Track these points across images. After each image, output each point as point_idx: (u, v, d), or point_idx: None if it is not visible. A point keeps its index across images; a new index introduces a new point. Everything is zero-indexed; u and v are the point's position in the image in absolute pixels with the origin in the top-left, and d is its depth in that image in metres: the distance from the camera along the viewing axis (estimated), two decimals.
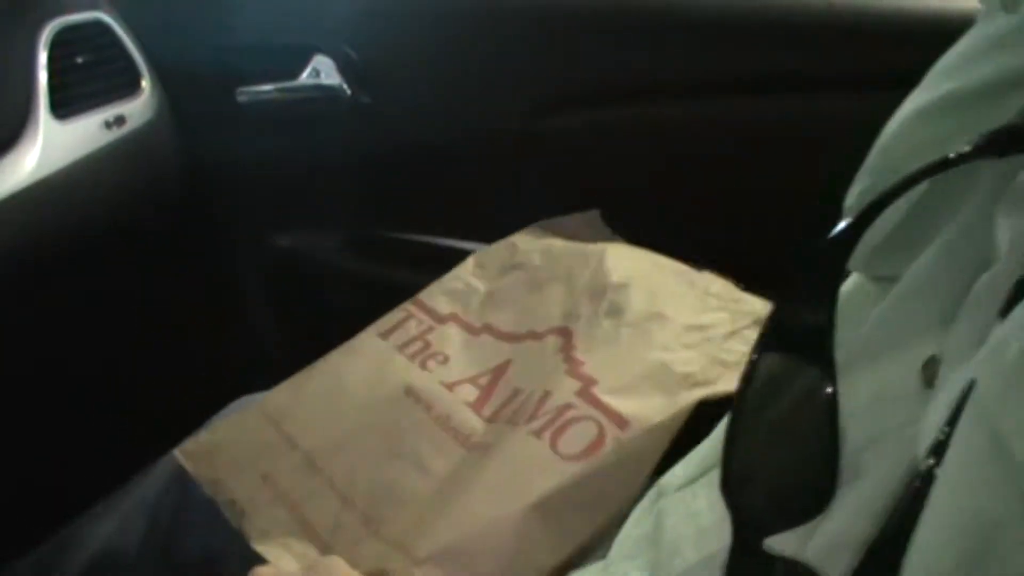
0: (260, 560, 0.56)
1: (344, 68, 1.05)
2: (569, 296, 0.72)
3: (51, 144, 0.87)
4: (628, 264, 0.74)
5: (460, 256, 0.82)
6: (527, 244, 0.79)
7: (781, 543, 0.33)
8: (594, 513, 0.56)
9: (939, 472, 0.28)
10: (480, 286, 0.77)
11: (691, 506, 0.42)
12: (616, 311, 0.69)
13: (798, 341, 0.35)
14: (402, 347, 0.71)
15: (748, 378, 0.35)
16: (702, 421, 0.59)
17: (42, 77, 0.88)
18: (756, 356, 0.36)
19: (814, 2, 0.85)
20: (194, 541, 0.66)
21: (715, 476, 0.42)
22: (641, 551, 0.45)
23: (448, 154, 1.05)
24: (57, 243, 0.89)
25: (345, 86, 1.05)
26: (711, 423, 0.52)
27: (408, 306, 0.76)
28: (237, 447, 0.67)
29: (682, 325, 0.67)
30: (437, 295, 0.77)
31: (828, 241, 0.36)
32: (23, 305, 0.92)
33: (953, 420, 0.27)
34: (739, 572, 0.34)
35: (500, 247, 0.80)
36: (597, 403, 0.61)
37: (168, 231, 1.09)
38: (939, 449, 0.28)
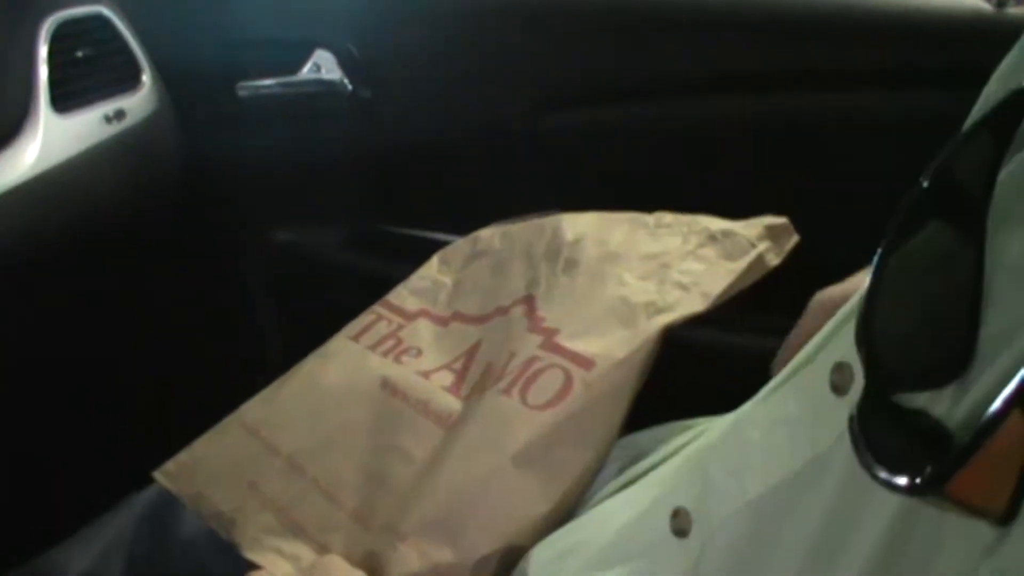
0: None
1: (345, 63, 1.05)
2: (530, 267, 0.72)
3: (51, 138, 0.86)
4: (581, 222, 0.74)
5: None
6: (488, 233, 0.80)
7: (926, 401, 0.32)
8: (576, 454, 0.56)
9: None
10: (446, 280, 0.77)
11: (781, 412, 0.41)
12: (571, 265, 0.69)
13: (954, 201, 0.34)
14: (374, 346, 0.71)
15: (894, 232, 0.34)
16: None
17: (43, 71, 0.88)
18: (905, 208, 0.34)
19: (815, 1, 0.85)
20: None
21: (801, 379, 0.41)
22: (694, 476, 0.44)
23: (449, 150, 1.05)
24: (57, 237, 0.89)
25: (346, 81, 1.05)
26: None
27: (377, 308, 0.76)
28: (218, 460, 0.66)
29: (635, 257, 0.66)
30: (405, 295, 0.77)
31: (996, 107, 0.34)
32: (23, 300, 0.92)
33: None
34: (873, 432, 0.32)
35: (463, 241, 0.81)
36: (560, 350, 0.61)
37: (168, 225, 1.09)
38: None
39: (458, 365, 0.67)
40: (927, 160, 0.37)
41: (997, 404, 0.26)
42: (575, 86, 0.97)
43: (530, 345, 0.63)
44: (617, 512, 0.50)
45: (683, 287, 0.63)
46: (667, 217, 0.71)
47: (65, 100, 0.89)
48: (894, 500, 0.32)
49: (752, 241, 0.65)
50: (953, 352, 0.31)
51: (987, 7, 0.78)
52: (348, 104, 1.06)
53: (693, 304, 0.61)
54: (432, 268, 0.79)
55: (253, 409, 0.70)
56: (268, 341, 1.21)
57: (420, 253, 0.81)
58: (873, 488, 0.30)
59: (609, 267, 0.66)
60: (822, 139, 0.88)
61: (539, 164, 1.00)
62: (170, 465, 0.68)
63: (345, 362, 0.71)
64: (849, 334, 0.35)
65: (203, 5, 1.12)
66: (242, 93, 1.09)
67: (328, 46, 1.05)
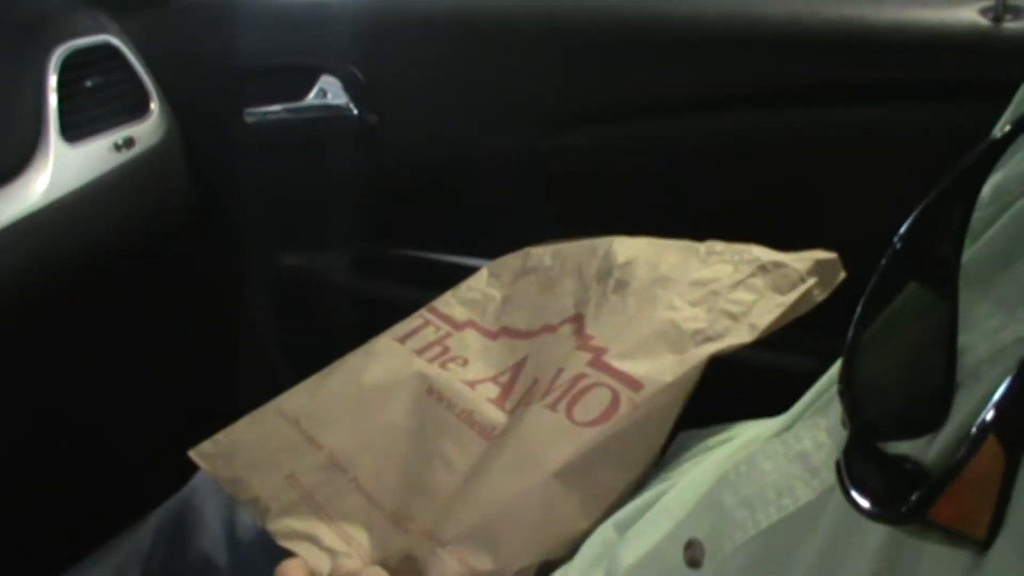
0: None
1: (351, 88, 1.06)
2: (580, 286, 0.72)
3: (61, 167, 0.87)
4: (633, 245, 0.74)
5: (467, 274, 0.82)
6: (539, 250, 0.80)
7: (908, 447, 0.33)
8: (618, 474, 0.56)
9: None
10: (496, 294, 0.77)
11: (795, 447, 0.42)
12: (622, 285, 0.69)
13: (925, 261, 0.35)
14: (421, 351, 0.71)
15: (872, 291, 0.35)
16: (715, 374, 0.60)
17: (52, 100, 0.89)
18: (882, 270, 0.36)
19: (816, 16, 0.85)
20: None
21: (816, 418, 0.43)
22: (708, 507, 0.45)
23: (454, 173, 1.05)
24: (68, 265, 0.90)
25: (352, 106, 1.06)
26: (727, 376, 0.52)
27: (424, 313, 0.76)
28: (257, 447, 0.66)
29: (686, 283, 0.66)
30: (453, 304, 0.77)
31: (969, 158, 0.35)
32: (34, 328, 0.92)
33: None
34: (858, 473, 0.33)
35: (513, 256, 0.81)
36: (608, 369, 0.61)
37: (177, 252, 1.10)
38: None
39: (504, 379, 0.68)
40: (927, 173, 0.37)
41: (974, 429, 0.27)
42: (578, 107, 0.97)
43: (578, 362, 0.63)
44: (632, 542, 0.50)
45: (732, 316, 0.63)
46: (718, 245, 0.71)
47: (74, 129, 0.90)
48: (881, 532, 0.33)
49: (802, 275, 0.65)
50: (932, 404, 0.33)
51: (984, 21, 0.79)
52: (354, 129, 1.07)
53: (741, 335, 0.61)
54: (481, 280, 0.80)
55: (293, 399, 0.70)
56: (275, 364, 1.21)
57: (427, 276, 0.82)
58: (862, 522, 0.31)
59: (659, 290, 0.66)
60: (830, 155, 0.88)
61: (544, 185, 1.01)
62: (207, 445, 0.67)
63: (390, 362, 0.71)
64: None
65: (210, 33, 1.13)
66: (249, 119, 1.10)
67: (334, 71, 1.06)
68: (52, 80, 0.90)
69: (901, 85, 0.83)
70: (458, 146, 1.05)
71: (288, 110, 1.09)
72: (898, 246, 0.36)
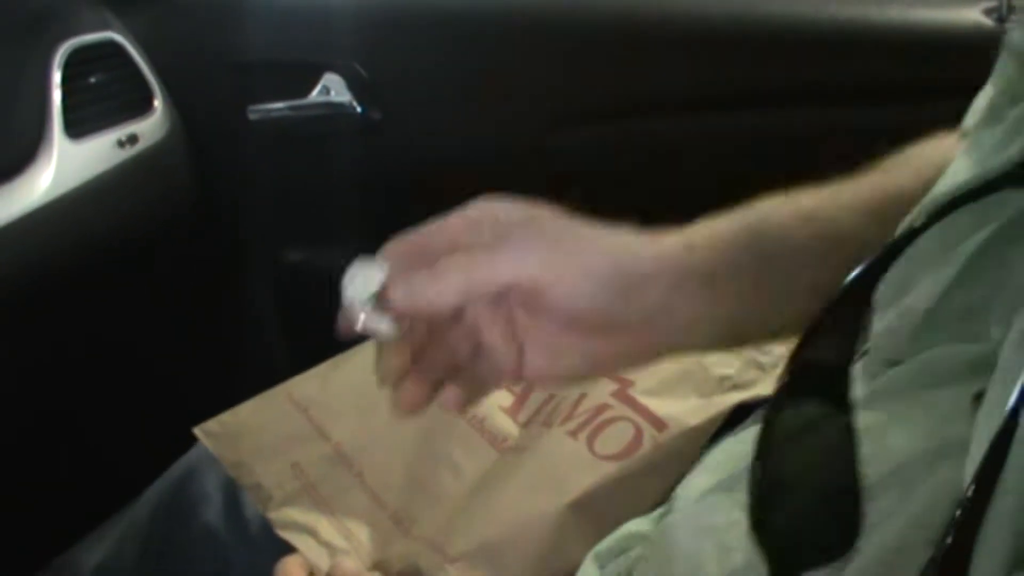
0: None
1: (354, 85, 1.06)
2: None
3: (65, 163, 0.87)
4: None
5: None
6: None
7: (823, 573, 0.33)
8: (630, 512, 0.55)
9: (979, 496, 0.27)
10: None
11: (707, 520, 0.41)
12: None
13: (819, 379, 0.35)
14: None
15: (769, 419, 0.35)
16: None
17: (56, 97, 0.89)
18: (777, 395, 0.35)
19: (821, 16, 0.85)
20: (189, 568, 0.65)
21: (734, 493, 0.41)
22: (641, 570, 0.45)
23: (458, 169, 1.05)
24: (72, 261, 0.90)
25: (355, 103, 1.06)
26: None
27: None
28: (264, 431, 0.66)
29: None
30: None
31: (853, 279, 0.35)
32: (38, 322, 0.92)
33: (996, 447, 0.27)
34: None
35: None
36: (634, 404, 0.60)
37: (180, 248, 1.10)
38: (983, 477, 0.27)
39: (518, 388, 0.67)
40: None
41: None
42: (583, 105, 0.97)
43: (602, 390, 0.62)
44: None
45: (761, 367, 0.62)
46: None
47: (78, 126, 0.90)
48: None
49: None
50: (843, 527, 0.33)
51: (988, 22, 0.79)
52: (357, 126, 1.07)
53: (767, 387, 0.61)
54: None
55: (303, 385, 0.69)
56: (278, 361, 1.21)
57: None
58: None
59: None
60: (828, 154, 0.88)
61: (548, 182, 1.01)
62: (213, 425, 0.67)
63: None
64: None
65: (213, 30, 1.13)
66: (253, 116, 1.10)
67: (337, 69, 1.06)
68: (56, 77, 0.90)
69: (905, 85, 0.83)
70: (462, 143, 1.05)
71: (291, 107, 1.09)
72: (791, 367, 0.35)
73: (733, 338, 0.46)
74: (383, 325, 0.44)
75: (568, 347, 0.44)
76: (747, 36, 0.89)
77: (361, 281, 0.45)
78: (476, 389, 0.47)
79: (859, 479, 0.33)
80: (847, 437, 0.33)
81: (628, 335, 0.44)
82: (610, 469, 0.57)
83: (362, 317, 0.44)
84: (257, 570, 0.57)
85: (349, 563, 0.54)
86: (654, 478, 0.57)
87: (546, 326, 0.44)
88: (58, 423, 1.02)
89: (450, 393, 0.46)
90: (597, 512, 0.55)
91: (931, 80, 0.82)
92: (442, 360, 0.46)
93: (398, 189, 1.09)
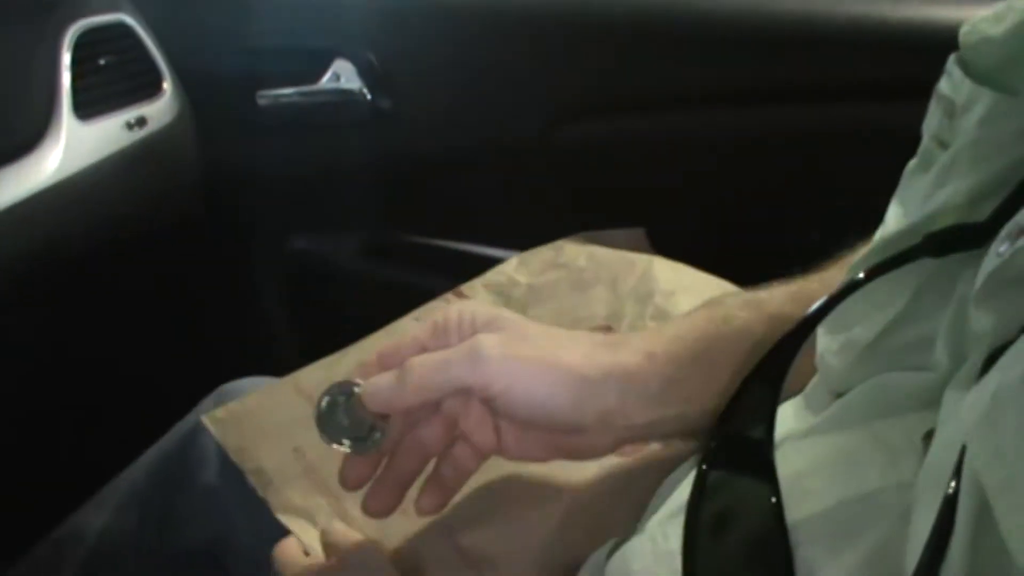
0: (261, 548, 0.55)
1: (364, 72, 1.06)
2: (614, 299, 0.72)
3: (74, 144, 0.87)
4: (674, 275, 0.73)
5: (477, 260, 0.82)
6: (573, 247, 0.79)
7: None
8: (635, 509, 0.55)
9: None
10: (522, 280, 0.77)
11: (664, 546, 0.41)
12: (662, 315, 0.68)
13: (742, 452, 0.37)
14: None
15: (698, 491, 0.36)
16: None
17: (65, 78, 0.89)
18: (703, 468, 0.37)
19: (832, 14, 0.85)
20: (190, 531, 0.66)
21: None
22: None
23: (466, 159, 1.05)
24: (79, 242, 0.90)
25: (365, 90, 1.06)
26: None
27: (449, 296, 0.76)
28: (268, 418, 0.66)
29: None
30: (478, 287, 0.77)
31: (770, 352, 0.37)
32: (45, 303, 0.93)
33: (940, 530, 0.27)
34: None
35: (545, 248, 0.80)
36: None
37: (187, 232, 1.10)
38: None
39: None
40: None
41: None
42: (589, 98, 0.97)
43: None
44: None
45: None
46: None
47: (87, 107, 0.91)
48: None
49: None
50: None
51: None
52: (367, 113, 1.07)
53: None
54: (510, 266, 0.79)
55: (311, 374, 0.69)
56: (284, 348, 1.22)
57: (437, 261, 0.82)
58: None
59: None
60: (840, 152, 0.88)
61: (554, 174, 1.01)
62: (220, 412, 0.67)
63: None
64: None
65: (224, 14, 1.13)
66: (262, 102, 1.10)
67: (347, 56, 1.06)
68: (66, 58, 0.90)
69: (917, 84, 0.83)
70: (470, 133, 1.05)
71: (301, 93, 1.09)
72: (712, 444, 0.37)
73: (689, 432, 0.49)
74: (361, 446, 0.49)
75: (533, 439, 0.48)
76: (757, 32, 0.89)
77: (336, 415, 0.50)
78: (450, 484, 0.50)
79: (787, 546, 0.34)
80: (774, 507, 0.35)
81: (585, 435, 0.47)
82: (617, 464, 0.56)
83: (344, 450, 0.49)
84: (257, 530, 0.58)
85: (344, 530, 0.54)
86: (659, 474, 0.55)
87: (510, 421, 0.48)
88: (60, 405, 1.02)
89: (425, 499, 0.50)
90: (601, 508, 0.55)
91: (938, 79, 0.82)
92: (416, 454, 0.49)
93: (405, 177, 1.09)
